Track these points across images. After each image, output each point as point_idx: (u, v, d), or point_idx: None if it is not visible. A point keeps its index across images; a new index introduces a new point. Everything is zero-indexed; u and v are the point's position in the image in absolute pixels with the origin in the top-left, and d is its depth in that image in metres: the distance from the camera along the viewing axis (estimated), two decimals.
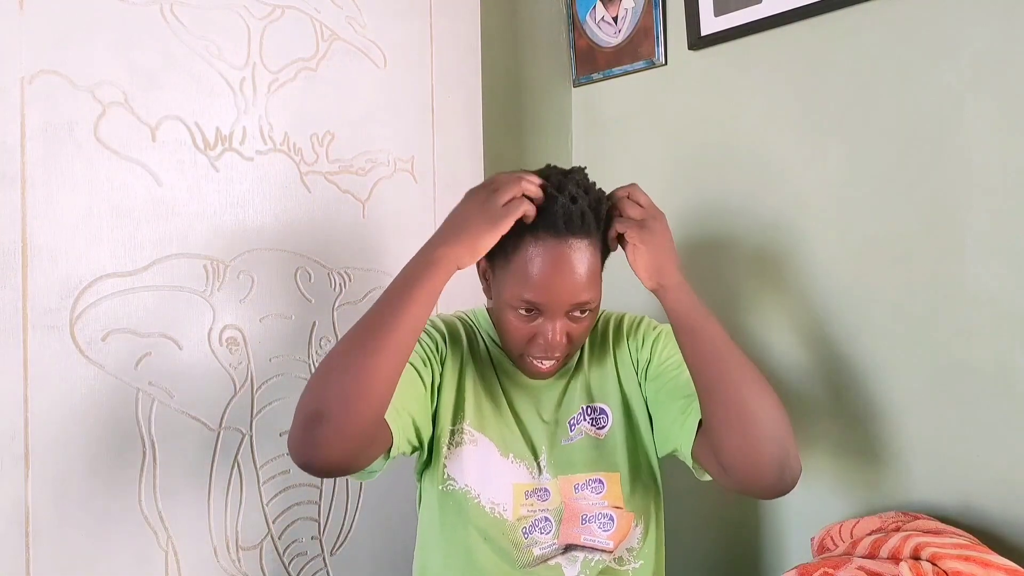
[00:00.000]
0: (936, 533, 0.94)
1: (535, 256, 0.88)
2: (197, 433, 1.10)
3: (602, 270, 0.94)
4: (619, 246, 0.93)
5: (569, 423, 1.02)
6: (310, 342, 1.22)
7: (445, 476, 0.99)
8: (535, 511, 0.98)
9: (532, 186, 0.88)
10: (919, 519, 1.01)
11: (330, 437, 0.79)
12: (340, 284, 1.26)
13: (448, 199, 1.34)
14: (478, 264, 0.99)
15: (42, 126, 0.98)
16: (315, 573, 1.22)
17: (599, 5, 1.57)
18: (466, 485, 0.98)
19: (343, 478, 1.25)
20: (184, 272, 1.09)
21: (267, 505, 1.17)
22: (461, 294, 1.22)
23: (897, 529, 0.97)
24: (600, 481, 1.00)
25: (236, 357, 1.14)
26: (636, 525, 1.01)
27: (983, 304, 1.03)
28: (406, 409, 0.91)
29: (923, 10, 1.09)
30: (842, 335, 1.19)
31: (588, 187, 0.92)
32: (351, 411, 0.80)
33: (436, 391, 0.98)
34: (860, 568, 0.89)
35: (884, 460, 1.15)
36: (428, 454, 1.00)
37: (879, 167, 1.14)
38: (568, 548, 0.99)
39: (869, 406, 1.16)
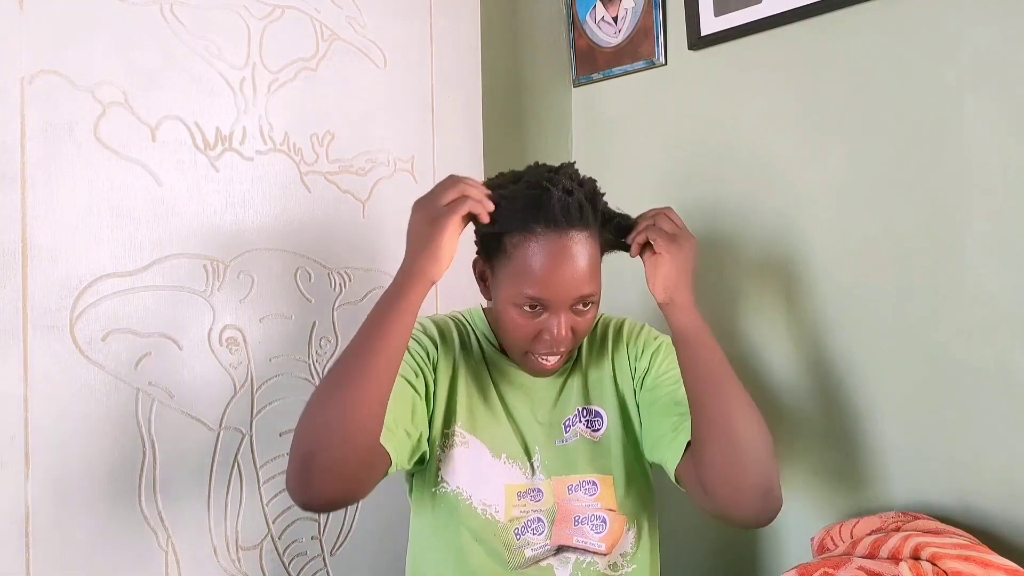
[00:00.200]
0: (936, 533, 0.94)
1: (536, 251, 0.88)
2: (197, 433, 1.10)
3: (600, 264, 0.95)
4: (638, 255, 0.95)
5: (564, 424, 1.02)
6: (310, 342, 1.22)
7: (438, 479, 0.98)
8: (527, 512, 0.98)
9: (473, 188, 0.88)
10: (919, 519, 1.01)
11: (326, 474, 0.80)
12: (340, 284, 1.26)
13: None
14: (474, 265, 1.00)
15: (42, 126, 0.98)
16: (315, 573, 1.22)
17: (599, 5, 1.57)
18: (458, 487, 0.97)
19: None
20: (184, 272, 1.09)
21: (267, 505, 1.17)
22: (462, 294, 1.22)
23: (897, 529, 0.97)
24: (594, 483, 1.00)
25: (236, 357, 1.14)
26: (629, 529, 1.01)
27: (983, 304, 1.03)
28: (400, 426, 0.91)
29: (923, 10, 1.09)
30: (842, 335, 1.19)
31: (582, 180, 0.93)
32: (344, 444, 0.81)
33: (431, 398, 0.98)
34: (860, 568, 0.89)
35: (884, 460, 1.15)
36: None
37: (879, 167, 1.14)
38: (560, 549, 0.98)
39: (869, 405, 1.16)
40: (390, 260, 1.30)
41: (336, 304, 1.25)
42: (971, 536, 0.95)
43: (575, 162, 0.96)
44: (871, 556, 0.93)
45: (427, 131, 1.36)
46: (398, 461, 0.90)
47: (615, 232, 0.96)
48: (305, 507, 0.83)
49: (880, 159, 1.14)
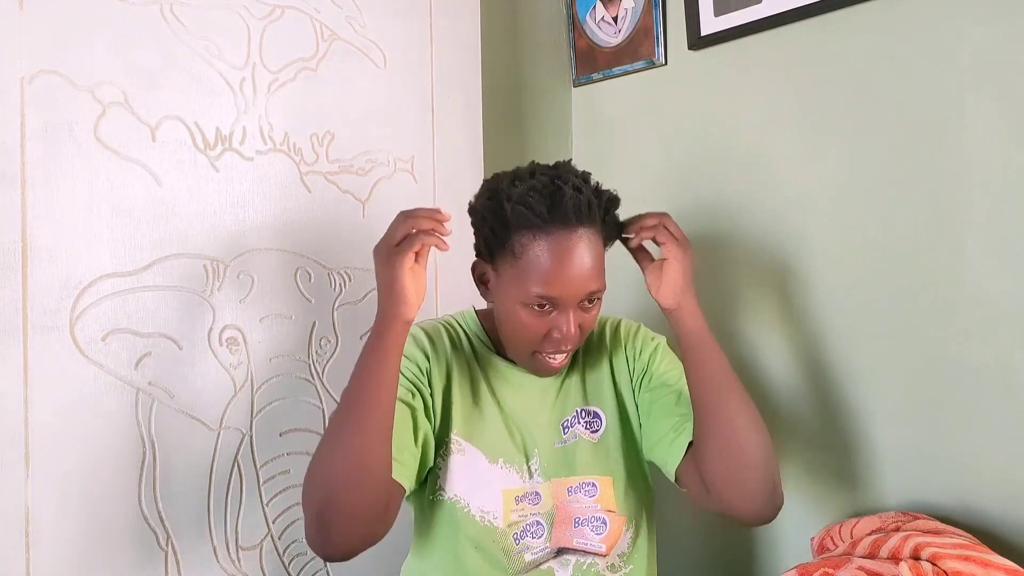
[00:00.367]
0: (936, 533, 0.94)
1: (546, 250, 0.88)
2: (197, 433, 1.10)
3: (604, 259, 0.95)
4: (637, 255, 0.96)
5: (563, 425, 1.02)
6: (310, 342, 1.22)
7: (436, 487, 0.98)
8: (526, 515, 0.98)
9: (424, 221, 0.87)
10: (919, 519, 1.01)
11: (345, 525, 0.82)
12: (340, 284, 1.26)
13: (448, 199, 1.34)
14: (474, 268, 0.99)
15: (42, 126, 0.98)
16: (315, 573, 1.22)
17: (599, 5, 1.57)
18: (455, 495, 0.97)
19: None
20: (184, 272, 1.09)
21: (267, 505, 1.17)
22: (461, 294, 1.22)
23: (897, 529, 0.97)
24: (593, 484, 1.00)
25: (236, 357, 1.14)
26: (627, 529, 1.00)
27: (983, 304, 1.03)
28: (407, 452, 0.92)
29: (923, 10, 1.08)
30: (841, 334, 1.19)
31: (586, 177, 0.94)
32: (357, 493, 0.82)
33: (431, 412, 0.97)
34: (860, 568, 0.89)
35: (884, 460, 1.15)
36: None
37: (879, 167, 1.14)
38: (560, 552, 0.98)
39: (869, 405, 1.16)
40: None
41: (336, 304, 1.25)
42: (971, 536, 0.95)
43: (571, 159, 0.97)
44: (871, 556, 0.93)
45: (427, 131, 1.36)
46: (411, 486, 0.92)
47: (614, 227, 0.96)
48: (329, 559, 0.85)
49: (880, 159, 1.14)
